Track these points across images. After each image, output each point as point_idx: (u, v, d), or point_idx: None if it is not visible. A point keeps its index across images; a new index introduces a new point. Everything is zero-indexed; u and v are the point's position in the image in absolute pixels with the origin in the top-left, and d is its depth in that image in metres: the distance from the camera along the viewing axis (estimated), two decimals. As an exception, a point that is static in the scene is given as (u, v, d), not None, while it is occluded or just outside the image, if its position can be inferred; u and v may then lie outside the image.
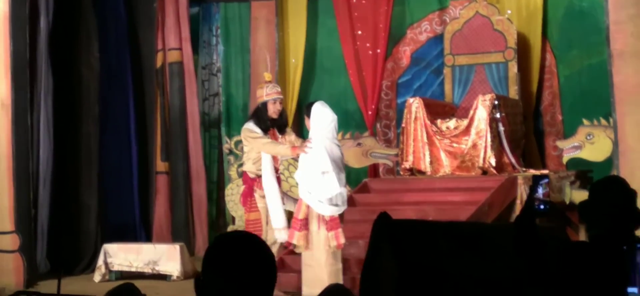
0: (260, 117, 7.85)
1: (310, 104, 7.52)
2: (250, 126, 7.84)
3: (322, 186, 7.12)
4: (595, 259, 3.63)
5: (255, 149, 7.72)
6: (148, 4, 11.67)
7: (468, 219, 8.36)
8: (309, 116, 7.38)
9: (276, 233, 7.73)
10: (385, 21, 11.45)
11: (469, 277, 4.11)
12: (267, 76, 8.09)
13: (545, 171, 9.67)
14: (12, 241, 9.21)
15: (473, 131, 9.69)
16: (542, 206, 3.84)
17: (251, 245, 2.61)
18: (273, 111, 7.80)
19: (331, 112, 7.41)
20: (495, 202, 8.78)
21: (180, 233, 11.54)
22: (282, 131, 7.91)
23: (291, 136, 7.98)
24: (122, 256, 9.60)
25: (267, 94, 7.86)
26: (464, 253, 4.12)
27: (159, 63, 11.85)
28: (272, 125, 7.84)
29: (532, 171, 9.71)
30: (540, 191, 3.87)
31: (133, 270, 9.59)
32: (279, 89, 7.99)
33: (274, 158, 7.81)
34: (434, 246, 4.31)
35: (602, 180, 3.93)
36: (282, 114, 7.96)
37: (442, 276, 4.25)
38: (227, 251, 2.61)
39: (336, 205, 7.18)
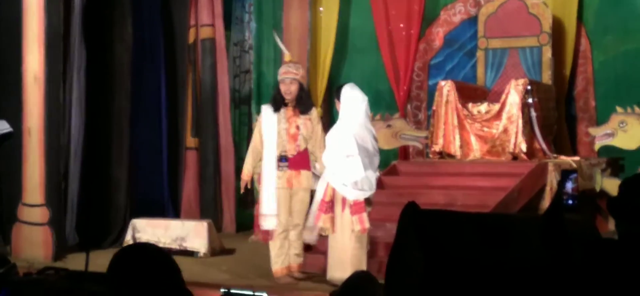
0: (274, 96, 7.89)
1: (340, 87, 7.49)
2: (262, 108, 7.94)
3: (346, 170, 7.09)
4: (624, 256, 3.58)
5: None
6: (181, -20, 11.69)
7: (497, 205, 8.33)
8: (338, 98, 7.35)
9: (262, 219, 7.78)
10: (419, 2, 11.36)
11: (495, 269, 4.07)
12: (287, 56, 8.06)
13: (575, 160, 9.55)
14: (41, 214, 9.29)
15: (504, 115, 9.62)
16: (570, 201, 3.80)
17: (143, 257, 2.72)
18: (285, 91, 7.73)
19: (361, 95, 7.36)
20: (525, 188, 8.72)
21: (209, 209, 11.60)
22: (305, 112, 7.77)
23: (313, 114, 7.84)
24: (150, 231, 9.65)
25: (280, 74, 7.85)
26: (491, 245, 4.08)
27: (191, 39, 11.87)
28: (288, 105, 7.77)
29: (563, 158, 9.63)
30: (570, 186, 3.83)
31: (160, 245, 9.62)
32: (295, 70, 7.79)
33: (289, 140, 7.71)
34: (461, 236, 4.26)
35: (633, 176, 3.88)
36: (301, 95, 7.77)
37: (468, 268, 4.21)
38: (120, 266, 2.81)
39: (362, 190, 7.15)
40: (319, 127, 7.85)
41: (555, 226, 3.65)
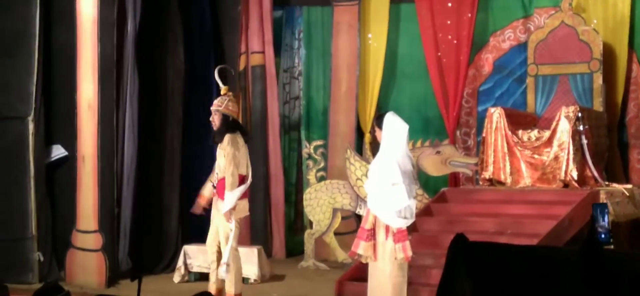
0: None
1: (381, 116, 7.50)
2: None
3: (392, 198, 7.10)
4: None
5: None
6: (232, 7, 11.79)
7: (548, 234, 8.27)
8: (380, 127, 7.36)
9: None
10: (468, 28, 11.35)
11: (543, 303, 4.06)
12: (223, 89, 8.15)
13: (628, 188, 9.44)
14: (95, 241, 9.43)
15: (555, 142, 9.56)
16: (603, 235, 3.78)
17: None
18: (211, 122, 8.04)
19: (403, 123, 7.37)
20: (576, 217, 8.63)
21: (259, 235, 11.67)
22: (219, 142, 7.93)
23: (224, 142, 7.88)
24: (201, 257, 9.67)
25: None
26: (538, 278, 4.09)
27: (241, 66, 11.99)
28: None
29: (615, 185, 9.54)
30: (605, 220, 3.82)
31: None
32: (219, 101, 8.00)
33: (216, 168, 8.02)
34: (509, 269, 4.28)
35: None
36: (219, 127, 7.94)
37: (516, 301, 4.21)
38: None
39: (405, 218, 7.15)
40: (227, 150, 7.88)
41: (594, 263, 3.64)
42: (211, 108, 8.05)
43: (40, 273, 9.60)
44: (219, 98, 8.08)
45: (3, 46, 9.78)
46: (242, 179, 7.93)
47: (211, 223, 8.05)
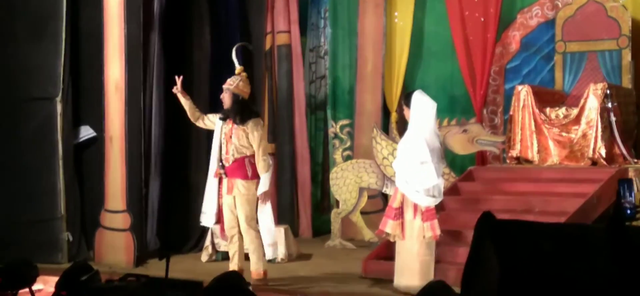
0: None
1: (409, 94, 7.48)
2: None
3: (420, 177, 7.09)
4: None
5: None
6: (258, -13, 11.81)
7: (576, 212, 8.22)
8: (408, 105, 7.34)
9: (203, 217, 8.25)
10: (495, 5, 11.26)
11: (570, 282, 4.05)
12: (238, 68, 8.18)
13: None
14: (123, 220, 9.51)
15: (583, 120, 9.50)
16: (629, 211, 3.76)
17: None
18: (221, 100, 8.14)
19: (431, 101, 7.35)
20: (605, 195, 8.58)
21: (286, 214, 11.71)
22: (239, 122, 7.99)
23: (248, 125, 7.94)
24: (228, 237, 9.77)
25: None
26: (566, 257, 4.06)
27: (267, 46, 12.00)
28: (227, 116, 8.08)
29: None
30: (631, 195, 3.79)
31: (239, 250, 9.75)
32: (231, 80, 8.11)
33: (226, 148, 8.04)
34: (537, 247, 4.26)
35: None
36: (232, 106, 8.03)
37: (544, 279, 4.20)
38: None
39: (433, 196, 7.14)
40: (255, 135, 7.98)
41: (620, 239, 3.61)
42: (223, 86, 8.16)
43: (69, 253, 9.70)
44: (232, 77, 8.17)
45: (31, 29, 9.83)
46: None
47: (224, 207, 8.13)
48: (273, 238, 8.16)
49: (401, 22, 11.85)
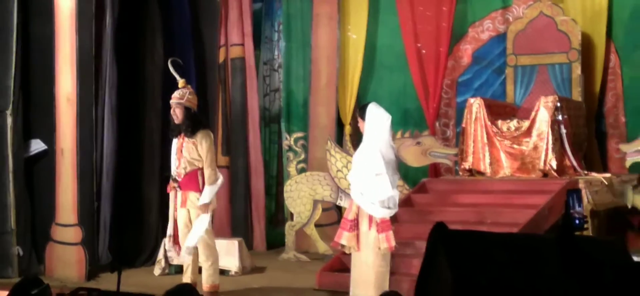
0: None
1: (364, 106, 7.50)
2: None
3: (375, 188, 7.11)
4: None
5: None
6: (212, 0, 11.77)
7: (527, 223, 8.31)
8: (363, 117, 7.36)
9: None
10: (448, 19, 11.38)
11: (523, 290, 4.08)
12: (181, 82, 8.19)
13: (606, 177, 9.50)
14: (75, 234, 9.40)
15: (534, 132, 9.61)
16: (578, 221, 3.81)
17: None
18: (172, 115, 8.08)
19: (386, 113, 7.38)
20: (556, 206, 8.67)
21: (240, 227, 11.68)
22: (189, 135, 7.99)
23: (197, 137, 7.96)
24: (181, 250, 9.71)
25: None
26: (519, 267, 4.10)
27: (221, 58, 11.98)
28: (178, 130, 8.05)
29: (594, 174, 9.59)
30: (580, 206, 3.84)
31: (192, 263, 9.69)
32: (179, 94, 8.06)
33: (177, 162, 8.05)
34: (490, 257, 4.28)
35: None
36: (184, 120, 8.00)
37: (497, 288, 4.23)
38: None
39: (388, 208, 7.16)
40: (204, 146, 7.98)
41: (569, 248, 3.66)
42: (171, 102, 8.11)
43: (20, 267, 9.55)
44: (178, 91, 8.14)
45: (-20, 40, 9.71)
46: None
47: (178, 218, 8.09)
48: (193, 244, 8.00)
49: (355, 35, 11.90)
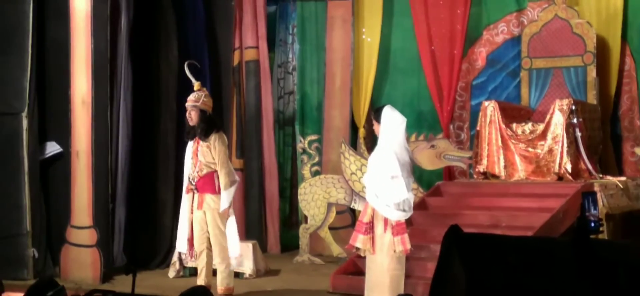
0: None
1: (379, 109, 7.50)
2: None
3: (391, 191, 7.10)
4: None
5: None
6: (226, 2, 11.76)
7: (542, 227, 8.29)
8: (377, 120, 7.36)
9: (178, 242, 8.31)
10: (462, 21, 11.37)
11: (536, 293, 4.08)
12: (196, 85, 8.21)
13: (621, 180, 9.46)
14: (90, 236, 9.41)
15: (549, 135, 9.58)
16: (593, 224, 3.80)
17: None
18: (187, 118, 8.12)
19: (400, 116, 7.39)
20: (571, 209, 8.64)
21: (254, 229, 11.68)
22: (203, 138, 8.05)
23: (211, 140, 8.01)
24: (196, 252, 9.73)
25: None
26: (533, 270, 4.09)
27: (235, 61, 11.98)
28: (193, 133, 8.11)
29: (609, 178, 9.56)
30: (596, 209, 3.83)
31: (206, 266, 9.70)
32: (195, 97, 8.12)
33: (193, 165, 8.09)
34: (504, 260, 4.28)
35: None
36: (199, 123, 8.06)
37: (510, 291, 4.23)
38: None
39: (403, 210, 7.16)
40: (217, 149, 8.03)
41: (584, 252, 3.64)
42: (186, 104, 8.16)
43: (35, 269, 9.58)
44: (193, 94, 8.19)
45: (-4, 42, 9.76)
46: None
47: (193, 221, 8.14)
48: (238, 251, 8.18)
49: (369, 37, 11.90)
